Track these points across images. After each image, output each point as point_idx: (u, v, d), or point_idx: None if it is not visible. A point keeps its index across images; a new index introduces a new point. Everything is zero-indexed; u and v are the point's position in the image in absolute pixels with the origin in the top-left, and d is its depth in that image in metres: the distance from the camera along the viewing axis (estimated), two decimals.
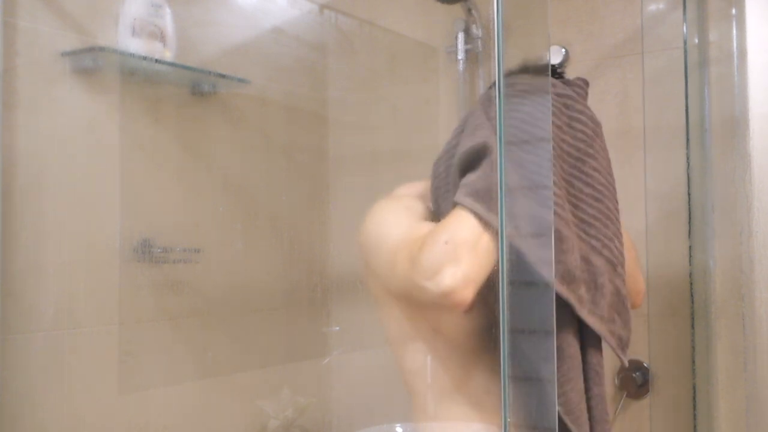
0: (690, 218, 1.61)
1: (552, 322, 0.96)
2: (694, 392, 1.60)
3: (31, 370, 1.42)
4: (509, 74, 0.96)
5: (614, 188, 1.19)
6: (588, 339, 1.14)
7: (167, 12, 1.60)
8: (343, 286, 1.92)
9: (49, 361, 1.45)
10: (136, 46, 1.55)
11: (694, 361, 1.60)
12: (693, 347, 1.61)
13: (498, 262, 0.94)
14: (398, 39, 2.10)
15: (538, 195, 1.00)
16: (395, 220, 1.13)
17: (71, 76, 1.50)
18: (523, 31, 1.02)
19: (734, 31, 1.59)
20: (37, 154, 1.44)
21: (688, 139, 1.61)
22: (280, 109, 1.96)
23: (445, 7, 1.95)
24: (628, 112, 1.77)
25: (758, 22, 1.57)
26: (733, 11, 1.60)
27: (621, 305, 1.16)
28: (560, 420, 1.07)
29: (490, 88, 1.17)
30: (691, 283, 1.60)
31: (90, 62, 1.52)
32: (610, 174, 1.19)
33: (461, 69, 1.98)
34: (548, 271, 0.98)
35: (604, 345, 1.16)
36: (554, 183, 1.07)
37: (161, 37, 1.58)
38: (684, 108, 1.61)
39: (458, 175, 1.07)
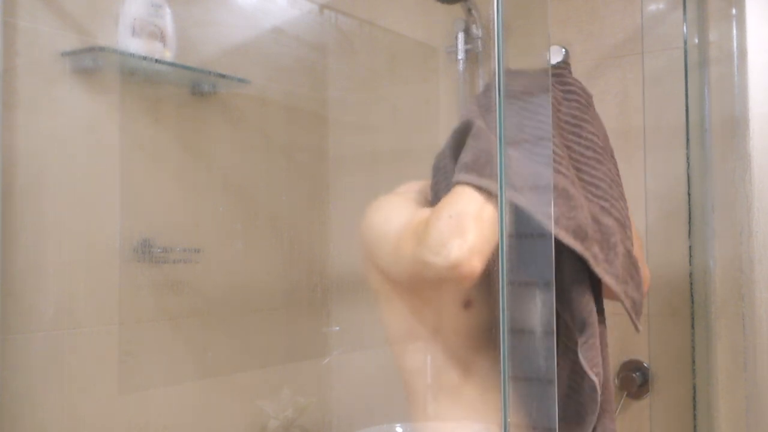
0: (690, 218, 1.61)
1: (552, 279, 0.95)
2: (694, 392, 1.60)
3: (31, 370, 1.42)
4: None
5: (613, 156, 1.19)
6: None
7: (167, 12, 1.60)
8: (343, 286, 1.92)
9: (49, 361, 1.45)
10: (136, 46, 1.55)
11: (694, 361, 1.60)
12: (693, 347, 1.61)
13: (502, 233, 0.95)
14: (398, 39, 2.10)
15: (538, 149, 1.01)
16: (397, 209, 1.14)
17: (71, 76, 1.50)
18: (523, 31, 1.02)
19: (734, 31, 1.59)
20: (37, 154, 1.44)
21: (688, 139, 1.61)
22: (280, 109, 1.96)
23: (445, 7, 1.95)
24: (628, 112, 1.77)
25: (758, 22, 1.57)
26: (733, 11, 1.60)
27: (633, 268, 1.15)
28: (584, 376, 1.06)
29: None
30: (691, 283, 1.60)
31: (90, 62, 1.52)
32: (608, 141, 1.20)
33: (461, 69, 1.98)
34: (548, 223, 0.98)
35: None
36: (555, 145, 1.07)
37: (161, 37, 1.58)
38: (684, 108, 1.61)
39: (452, 161, 1.08)
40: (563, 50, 1.84)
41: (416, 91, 2.12)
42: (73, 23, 1.52)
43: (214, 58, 1.77)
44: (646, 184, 1.67)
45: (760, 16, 1.57)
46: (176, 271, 1.68)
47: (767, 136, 1.55)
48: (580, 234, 1.04)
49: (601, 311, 1.12)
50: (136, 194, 1.61)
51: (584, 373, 1.07)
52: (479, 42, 1.97)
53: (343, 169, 2.06)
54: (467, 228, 0.98)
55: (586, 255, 1.04)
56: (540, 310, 0.97)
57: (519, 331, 0.95)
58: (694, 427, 1.59)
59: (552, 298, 0.98)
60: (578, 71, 1.82)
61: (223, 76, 1.76)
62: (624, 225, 1.14)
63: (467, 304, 1.13)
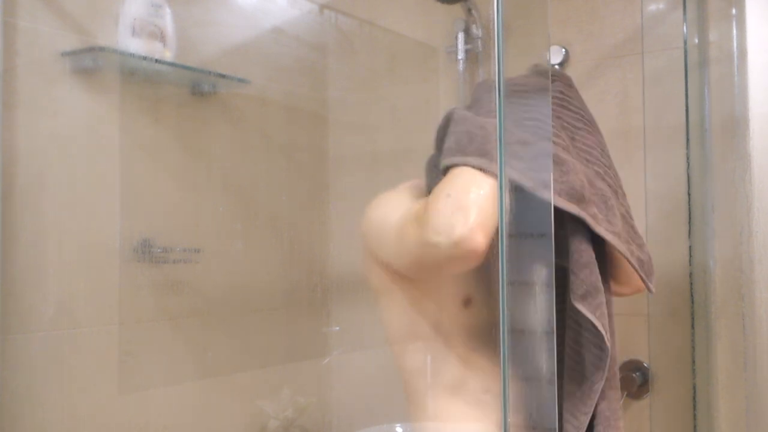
0: (690, 218, 1.61)
1: (550, 233, 0.95)
2: (694, 392, 1.60)
3: (31, 370, 1.42)
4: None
5: (600, 132, 1.21)
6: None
7: (167, 12, 1.60)
8: (343, 286, 1.92)
9: (49, 361, 1.45)
10: (136, 46, 1.55)
11: (694, 361, 1.60)
12: (693, 347, 1.61)
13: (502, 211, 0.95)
14: (398, 39, 2.10)
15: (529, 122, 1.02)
16: (396, 203, 1.15)
17: (71, 76, 1.50)
18: (523, 31, 1.02)
19: (734, 31, 1.59)
20: (37, 154, 1.44)
21: (688, 139, 1.61)
22: (280, 109, 1.96)
23: (445, 7, 1.96)
24: (628, 112, 1.77)
25: (758, 22, 1.57)
26: (733, 11, 1.60)
27: (632, 231, 1.14)
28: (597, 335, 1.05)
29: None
30: (691, 283, 1.60)
31: (90, 62, 1.52)
32: (593, 117, 1.21)
33: (461, 69, 1.98)
34: (544, 191, 0.98)
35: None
36: (544, 115, 1.08)
37: (161, 37, 1.58)
38: (684, 108, 1.61)
39: (440, 155, 1.09)
40: (563, 50, 1.84)
41: (416, 91, 2.12)
42: (73, 23, 1.52)
43: (214, 58, 1.77)
44: (646, 184, 1.67)
45: (760, 16, 1.57)
46: (176, 271, 1.68)
47: (767, 136, 1.55)
48: (575, 196, 1.03)
49: (606, 281, 1.11)
50: (136, 194, 1.61)
51: (592, 336, 1.05)
52: (479, 42, 1.97)
53: (343, 169, 2.06)
54: (466, 204, 0.98)
55: (583, 215, 1.04)
56: (540, 309, 0.97)
57: (519, 331, 0.95)
58: (694, 427, 1.59)
59: (552, 298, 0.98)
60: (578, 71, 1.82)
61: (223, 76, 1.76)
62: (617, 191, 1.14)
63: (467, 303, 1.13)
